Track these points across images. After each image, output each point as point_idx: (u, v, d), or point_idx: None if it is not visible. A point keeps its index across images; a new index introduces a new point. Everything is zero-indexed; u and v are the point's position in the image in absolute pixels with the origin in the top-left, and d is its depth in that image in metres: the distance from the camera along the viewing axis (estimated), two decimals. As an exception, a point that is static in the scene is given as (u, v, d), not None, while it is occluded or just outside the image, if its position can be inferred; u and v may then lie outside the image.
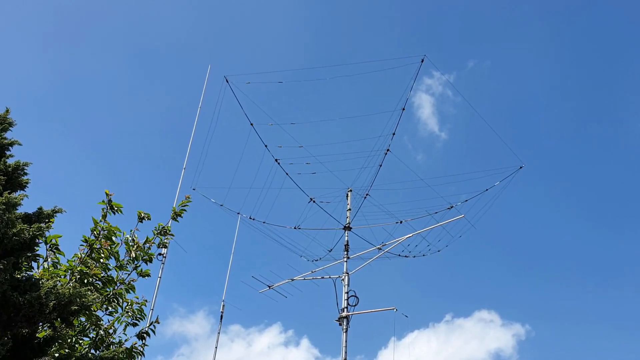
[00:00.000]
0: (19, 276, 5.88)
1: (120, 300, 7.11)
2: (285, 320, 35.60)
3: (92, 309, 6.46)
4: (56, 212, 6.23)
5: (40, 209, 6.19)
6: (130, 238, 7.18)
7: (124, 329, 7.25)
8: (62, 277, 6.54)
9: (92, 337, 6.97)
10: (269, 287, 15.94)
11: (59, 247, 6.75)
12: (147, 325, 7.39)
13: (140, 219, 7.27)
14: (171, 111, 40.42)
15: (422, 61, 14.86)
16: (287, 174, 16.03)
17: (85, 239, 6.82)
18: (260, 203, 16.30)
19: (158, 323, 7.41)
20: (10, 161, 6.39)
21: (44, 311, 5.59)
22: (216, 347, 13.63)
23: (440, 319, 36.39)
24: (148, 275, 7.29)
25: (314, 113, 41.52)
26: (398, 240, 15.74)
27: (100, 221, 6.90)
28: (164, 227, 7.51)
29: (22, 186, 6.25)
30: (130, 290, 7.17)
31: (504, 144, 26.61)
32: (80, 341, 6.91)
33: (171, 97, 41.83)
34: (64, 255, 6.78)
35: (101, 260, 6.88)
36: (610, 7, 42.92)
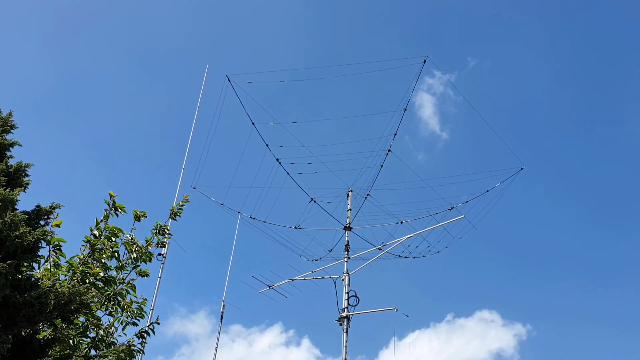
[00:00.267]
0: (19, 276, 5.91)
1: (121, 301, 7.14)
2: (286, 320, 35.65)
3: (92, 308, 6.49)
4: (54, 208, 6.24)
5: (38, 206, 6.19)
6: (129, 237, 7.22)
7: (124, 329, 7.27)
8: (64, 277, 6.58)
9: (92, 337, 6.99)
10: (269, 287, 15.97)
11: (61, 248, 6.78)
12: (147, 324, 7.41)
13: (137, 218, 7.30)
14: (172, 111, 40.51)
15: (424, 62, 14.92)
16: (288, 173, 16.09)
17: (88, 239, 6.86)
18: (260, 202, 16.36)
19: (158, 323, 7.43)
20: (12, 162, 6.44)
21: (45, 310, 5.60)
22: (216, 347, 13.70)
23: (441, 319, 36.42)
24: (147, 274, 7.32)
25: (316, 113, 41.59)
26: (399, 241, 15.77)
27: (102, 222, 6.94)
28: (162, 226, 7.56)
29: (23, 187, 6.28)
30: (130, 291, 7.21)
31: (504, 143, 26.61)
32: (81, 341, 6.95)
33: (172, 96, 41.93)
34: (65, 257, 6.83)
35: (102, 260, 6.93)
36: (611, 7, 42.89)
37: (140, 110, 41.37)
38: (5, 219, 5.51)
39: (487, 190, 16.08)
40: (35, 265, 6.36)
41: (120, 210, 7.04)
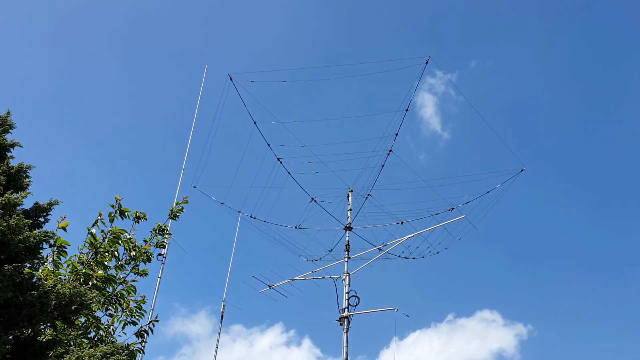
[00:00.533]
0: (21, 276, 5.91)
1: (121, 301, 7.17)
2: (287, 320, 35.71)
3: (92, 309, 6.51)
4: (53, 205, 6.24)
5: (36, 204, 6.19)
6: (128, 237, 7.22)
7: (123, 328, 7.28)
8: (65, 278, 6.59)
9: (92, 337, 7.02)
10: (270, 287, 15.99)
11: (66, 250, 6.80)
12: (147, 323, 7.41)
13: (137, 219, 7.31)
14: (174, 110, 40.56)
15: (427, 62, 14.92)
16: (289, 173, 16.10)
17: (91, 242, 6.88)
18: (261, 202, 16.38)
19: (157, 321, 7.44)
20: (13, 163, 6.45)
21: (46, 310, 5.61)
22: (217, 347, 13.73)
23: (442, 319, 36.46)
24: (146, 274, 7.34)
25: (317, 112, 41.62)
26: (399, 241, 15.78)
27: (99, 222, 6.95)
28: (162, 226, 7.57)
29: (23, 188, 6.30)
30: (131, 292, 7.23)
31: (505, 145, 26.63)
32: (82, 342, 6.97)
33: (173, 96, 41.97)
34: (66, 256, 6.85)
35: (105, 262, 6.96)
36: (612, 7, 42.82)
37: (141, 110, 41.48)
38: (10, 222, 5.52)
39: (488, 191, 16.14)
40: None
41: (125, 216, 7.09)
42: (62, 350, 6.27)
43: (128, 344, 6.86)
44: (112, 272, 7.12)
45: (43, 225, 6.24)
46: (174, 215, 7.72)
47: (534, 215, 41.08)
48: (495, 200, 16.23)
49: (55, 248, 6.68)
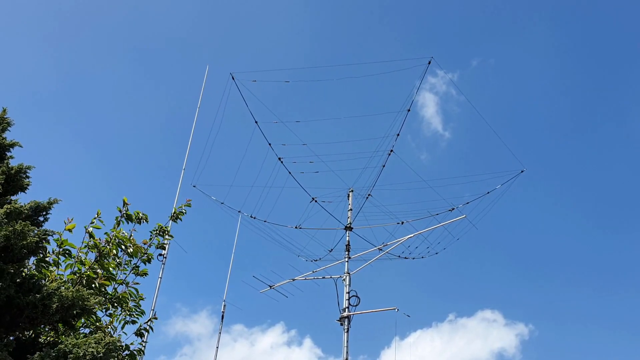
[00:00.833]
0: (22, 276, 5.91)
1: (123, 303, 7.15)
2: (288, 320, 35.72)
3: (94, 313, 6.48)
4: (52, 203, 6.24)
5: (36, 202, 6.19)
6: (128, 236, 7.23)
7: (122, 327, 7.25)
8: (69, 281, 6.58)
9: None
10: (270, 287, 15.97)
11: (71, 253, 6.80)
12: (147, 321, 7.37)
13: (138, 221, 7.29)
14: (175, 110, 40.56)
15: (429, 63, 14.87)
16: (289, 172, 16.06)
17: (96, 244, 6.88)
18: (261, 202, 16.34)
19: (156, 319, 7.42)
20: (13, 163, 6.45)
21: (48, 312, 5.61)
22: (217, 347, 13.71)
23: (443, 319, 36.44)
24: (145, 274, 7.33)
25: (319, 112, 41.58)
26: (399, 241, 15.76)
27: (95, 221, 6.95)
28: (162, 227, 7.56)
29: (23, 188, 6.30)
30: (133, 295, 7.22)
31: (505, 146, 26.65)
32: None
33: (175, 95, 42.00)
34: (70, 259, 6.83)
35: (110, 268, 6.97)
36: (613, 8, 42.77)
37: (141, 109, 41.49)
38: (16, 227, 5.54)
39: (488, 192, 16.12)
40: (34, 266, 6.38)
41: (132, 220, 7.10)
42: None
43: (127, 345, 6.87)
44: (112, 271, 7.12)
45: (43, 224, 6.26)
46: (175, 218, 7.71)
47: (534, 215, 41.14)
48: (495, 201, 16.25)
49: (60, 249, 6.68)
